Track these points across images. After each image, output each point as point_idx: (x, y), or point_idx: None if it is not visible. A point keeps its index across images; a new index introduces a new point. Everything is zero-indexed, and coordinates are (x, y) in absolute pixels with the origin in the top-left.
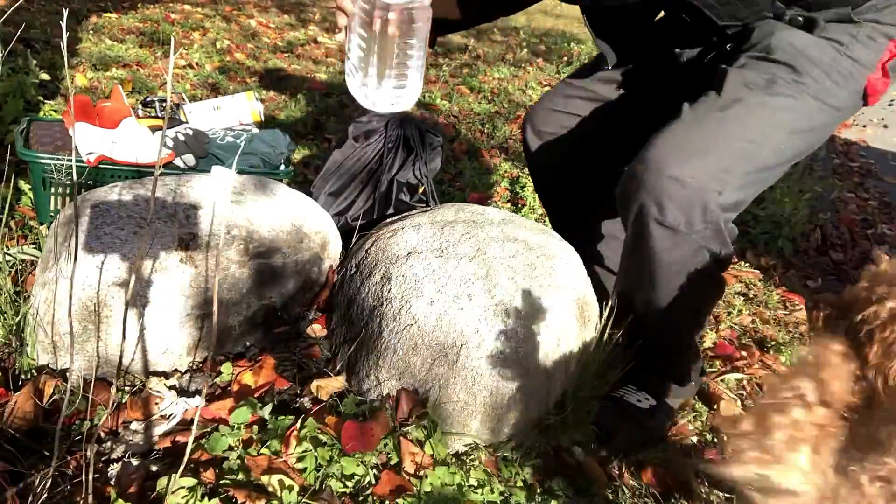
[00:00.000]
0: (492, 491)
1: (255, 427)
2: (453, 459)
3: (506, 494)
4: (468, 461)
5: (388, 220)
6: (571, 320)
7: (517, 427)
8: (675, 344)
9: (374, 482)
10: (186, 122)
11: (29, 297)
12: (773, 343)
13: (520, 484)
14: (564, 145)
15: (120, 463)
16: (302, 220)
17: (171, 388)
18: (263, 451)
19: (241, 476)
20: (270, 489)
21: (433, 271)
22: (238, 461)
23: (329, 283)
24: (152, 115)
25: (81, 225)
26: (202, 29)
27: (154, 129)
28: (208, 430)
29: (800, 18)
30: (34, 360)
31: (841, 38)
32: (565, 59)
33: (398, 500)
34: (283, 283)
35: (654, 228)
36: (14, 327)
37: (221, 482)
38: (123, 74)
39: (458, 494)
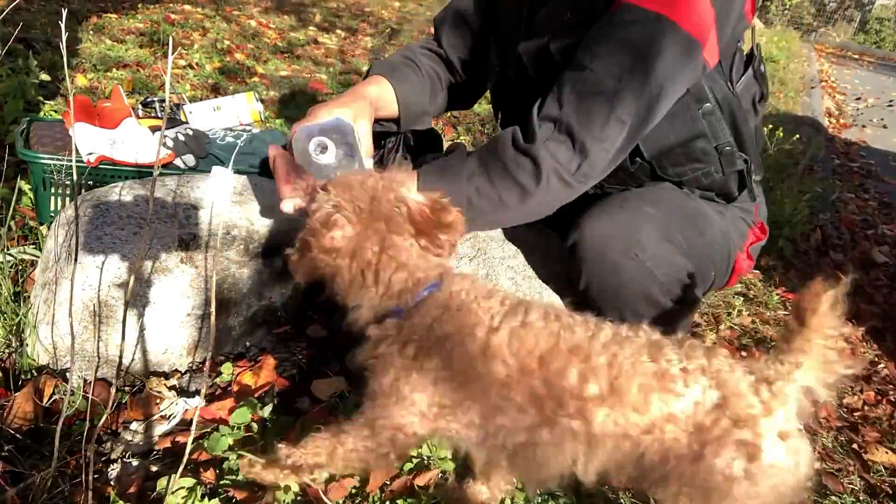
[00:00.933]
0: None
1: (255, 427)
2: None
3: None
4: (468, 461)
5: None
6: None
7: None
8: None
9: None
10: (186, 123)
11: (29, 297)
12: (773, 343)
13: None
14: None
15: (120, 463)
16: (302, 220)
17: (171, 388)
18: None
19: (241, 476)
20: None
21: None
22: (238, 461)
23: None
24: (152, 115)
25: (81, 225)
26: (202, 29)
27: (154, 129)
28: (208, 430)
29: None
30: (34, 360)
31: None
32: None
33: (398, 500)
34: (283, 283)
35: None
36: (14, 327)
37: (221, 482)
38: (123, 75)
39: (458, 494)
